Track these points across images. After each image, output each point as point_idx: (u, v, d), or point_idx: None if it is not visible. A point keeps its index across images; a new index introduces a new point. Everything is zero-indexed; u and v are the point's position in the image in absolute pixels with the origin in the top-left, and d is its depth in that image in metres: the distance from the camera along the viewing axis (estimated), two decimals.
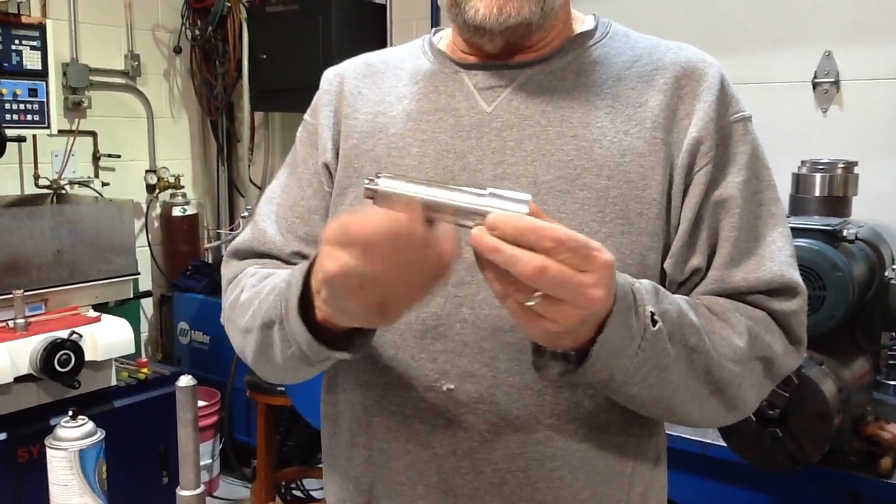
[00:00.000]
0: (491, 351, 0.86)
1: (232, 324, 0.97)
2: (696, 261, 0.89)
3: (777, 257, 0.89)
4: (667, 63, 0.92)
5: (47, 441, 1.06)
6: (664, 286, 0.88)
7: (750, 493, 1.59)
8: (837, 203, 1.94)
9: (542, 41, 0.93)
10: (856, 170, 1.97)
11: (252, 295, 0.93)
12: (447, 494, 0.89)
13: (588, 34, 0.95)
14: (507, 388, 0.86)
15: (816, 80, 2.43)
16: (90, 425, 1.08)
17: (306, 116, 1.05)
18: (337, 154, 0.99)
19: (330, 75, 1.05)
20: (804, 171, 2.00)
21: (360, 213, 0.67)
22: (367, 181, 0.70)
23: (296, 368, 0.88)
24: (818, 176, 1.97)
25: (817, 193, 1.96)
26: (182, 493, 0.78)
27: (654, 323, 0.75)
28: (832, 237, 1.51)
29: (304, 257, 0.99)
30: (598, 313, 0.70)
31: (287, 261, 1.00)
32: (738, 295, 0.88)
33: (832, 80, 2.40)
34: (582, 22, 0.98)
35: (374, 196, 0.69)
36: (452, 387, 0.87)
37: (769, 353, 0.87)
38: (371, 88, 1.00)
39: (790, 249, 0.91)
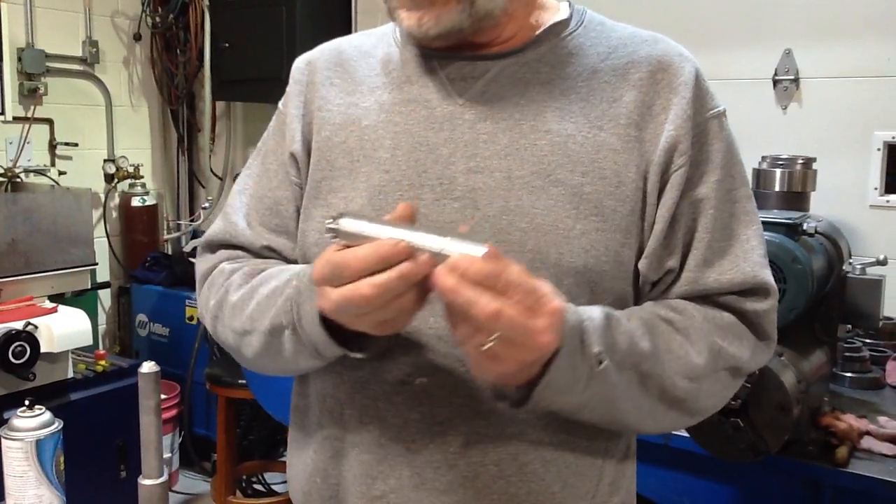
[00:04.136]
0: None
1: (221, 323, 0.96)
2: (671, 261, 0.89)
3: (750, 257, 0.89)
4: (642, 57, 0.91)
5: (2, 431, 1.03)
6: (638, 284, 0.89)
7: (712, 483, 1.61)
8: (796, 198, 1.97)
9: (503, 34, 0.91)
10: (814, 166, 2.01)
11: (244, 296, 0.92)
12: (418, 488, 0.88)
13: (563, 23, 0.93)
14: (480, 382, 0.85)
15: (777, 78, 2.47)
16: (47, 415, 1.05)
17: (279, 105, 1.04)
18: (306, 146, 0.98)
19: (301, 64, 1.03)
20: (764, 166, 2.02)
21: (348, 251, 0.72)
22: (328, 221, 0.74)
23: (305, 365, 0.90)
24: (778, 171, 2.00)
25: (777, 188, 1.99)
26: (144, 482, 0.76)
27: (600, 363, 0.78)
28: (792, 230, 1.53)
29: (274, 250, 0.99)
30: (545, 356, 0.73)
31: (258, 253, 1.00)
32: (711, 295, 0.89)
33: (792, 77, 2.45)
34: (556, 10, 0.95)
35: (336, 235, 0.73)
36: (426, 380, 0.87)
37: (734, 363, 0.89)
38: (343, 78, 0.99)
39: (763, 248, 0.91)
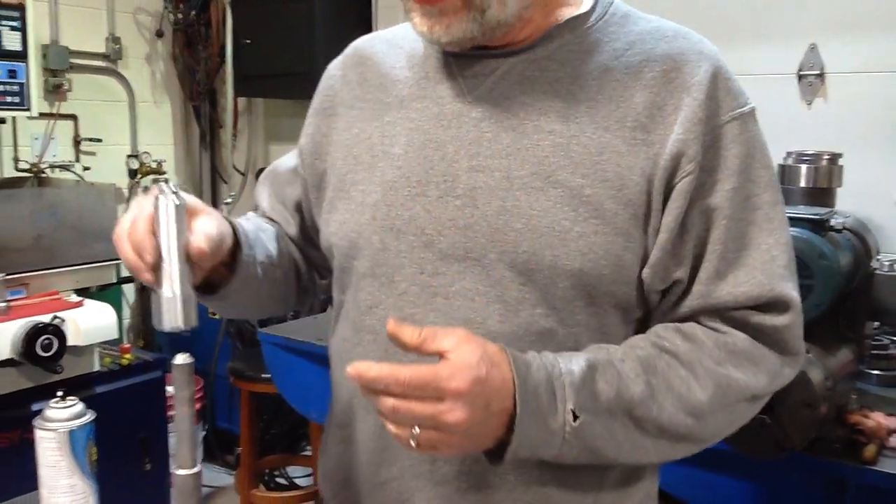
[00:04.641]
0: None
1: None
2: (679, 272, 0.86)
3: (769, 269, 0.85)
4: (658, 54, 0.87)
5: (35, 421, 1.05)
6: (642, 291, 0.88)
7: (733, 479, 1.60)
8: (822, 194, 1.95)
9: (519, 36, 0.90)
10: (840, 161, 1.99)
11: None
12: (418, 478, 0.90)
13: (583, 17, 0.91)
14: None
15: (801, 73, 2.44)
16: (80, 406, 1.07)
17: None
18: (312, 144, 1.05)
19: (336, 61, 1.08)
20: (789, 162, 2.01)
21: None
22: (167, 184, 0.82)
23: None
24: (803, 167, 1.98)
25: (802, 184, 1.97)
26: (179, 472, 0.77)
27: (576, 418, 0.78)
28: (819, 226, 1.52)
29: (275, 222, 1.09)
30: (473, 429, 0.75)
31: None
32: (725, 310, 0.86)
33: (817, 72, 2.42)
34: (579, 4, 0.92)
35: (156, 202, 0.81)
36: None
37: (749, 393, 0.87)
38: (374, 72, 1.01)
39: (786, 258, 0.87)
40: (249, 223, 1.01)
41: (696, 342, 0.86)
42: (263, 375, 2.66)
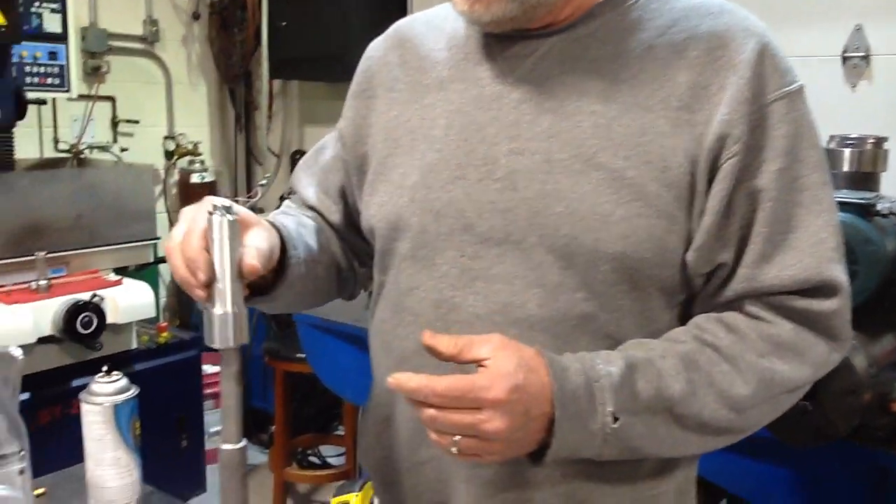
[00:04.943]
0: (501, 325, 0.86)
1: None
2: (724, 255, 0.84)
3: (817, 251, 0.83)
4: (702, 32, 0.85)
5: (81, 395, 1.06)
6: (686, 274, 0.86)
7: (776, 467, 1.58)
8: (866, 178, 1.91)
9: (561, 15, 0.88)
10: (885, 145, 1.94)
11: None
12: (451, 463, 0.90)
13: None
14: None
15: (846, 55, 2.39)
16: (124, 381, 1.08)
17: None
18: (352, 127, 1.04)
19: (375, 43, 1.07)
20: (833, 145, 1.97)
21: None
22: (223, 205, 0.80)
23: None
24: (847, 151, 1.94)
25: (846, 169, 1.92)
26: (225, 446, 0.78)
27: (616, 419, 0.79)
28: (865, 211, 1.49)
29: (316, 210, 1.09)
30: (513, 436, 0.76)
31: (311, 207, 1.11)
32: (770, 294, 0.84)
33: (862, 54, 2.36)
34: None
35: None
36: None
37: (792, 385, 0.85)
38: (413, 54, 1.00)
39: (835, 241, 0.85)
40: (290, 219, 1.01)
41: (738, 334, 0.84)
42: (298, 355, 2.68)
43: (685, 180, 0.83)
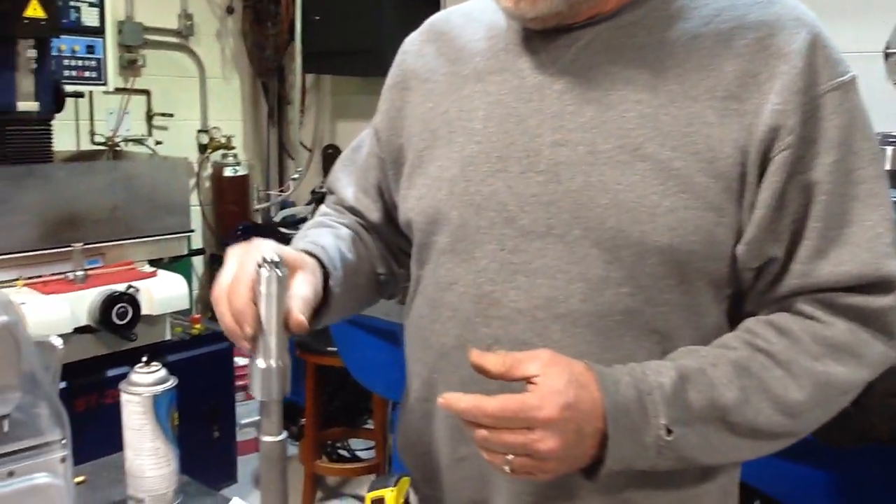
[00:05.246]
0: (544, 321, 0.84)
1: None
2: (776, 249, 0.82)
3: (873, 246, 0.81)
4: (750, 21, 0.83)
5: (122, 386, 1.07)
6: (736, 267, 0.84)
7: (811, 469, 1.56)
8: None
9: (606, 7, 0.87)
10: None
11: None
12: None
13: None
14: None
15: (889, 51, 2.34)
16: (163, 372, 1.09)
17: None
18: (387, 120, 1.04)
19: (411, 36, 1.07)
20: None
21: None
22: (270, 259, 0.79)
23: None
24: (889, 150, 1.91)
25: (889, 167, 1.90)
26: (266, 439, 0.78)
27: (669, 432, 0.77)
28: None
29: (357, 211, 1.08)
30: (566, 453, 0.75)
31: (350, 208, 1.11)
32: (825, 291, 0.82)
33: None
34: None
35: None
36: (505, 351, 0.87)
37: (847, 387, 0.83)
38: (450, 46, 0.99)
39: (891, 236, 0.82)
40: (328, 236, 1.00)
41: (791, 338, 0.82)
42: (329, 349, 2.69)
43: (735, 171, 0.81)
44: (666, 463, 0.79)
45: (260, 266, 0.76)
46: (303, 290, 0.83)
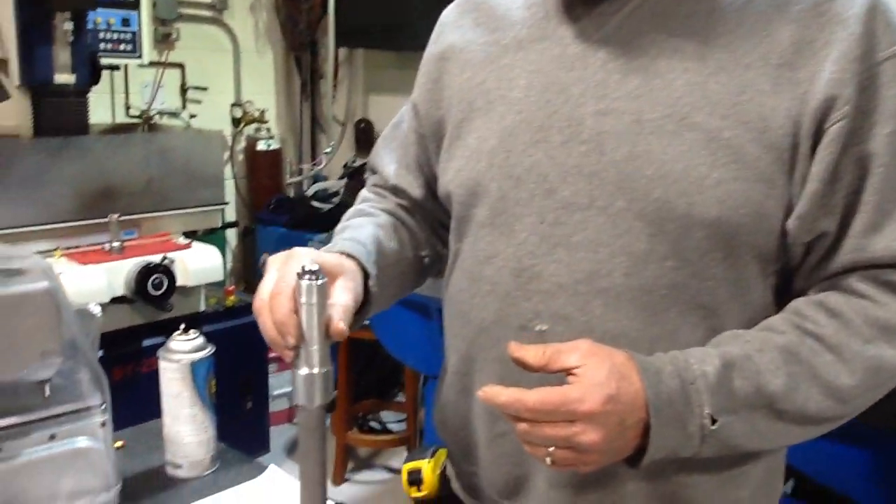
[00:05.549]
0: (585, 295, 0.83)
1: None
2: (828, 223, 0.80)
3: None
4: None
5: (160, 353, 1.09)
6: (785, 241, 0.82)
7: (847, 447, 1.54)
8: None
9: None
10: None
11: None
12: None
13: None
14: (600, 333, 0.81)
15: None
16: (201, 339, 1.10)
17: None
18: (425, 93, 1.02)
19: (448, 9, 1.05)
20: None
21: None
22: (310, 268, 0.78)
23: None
24: None
25: None
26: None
27: (714, 421, 0.76)
28: None
29: (400, 189, 1.07)
30: (609, 445, 0.74)
31: (392, 187, 1.09)
32: (878, 267, 0.79)
33: None
34: None
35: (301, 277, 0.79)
36: (545, 328, 0.85)
37: None
38: (488, 14, 0.98)
39: None
40: (368, 227, 0.99)
41: (842, 320, 0.80)
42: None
43: (786, 142, 0.78)
44: (710, 450, 0.78)
45: (300, 276, 0.77)
46: (343, 297, 0.82)
